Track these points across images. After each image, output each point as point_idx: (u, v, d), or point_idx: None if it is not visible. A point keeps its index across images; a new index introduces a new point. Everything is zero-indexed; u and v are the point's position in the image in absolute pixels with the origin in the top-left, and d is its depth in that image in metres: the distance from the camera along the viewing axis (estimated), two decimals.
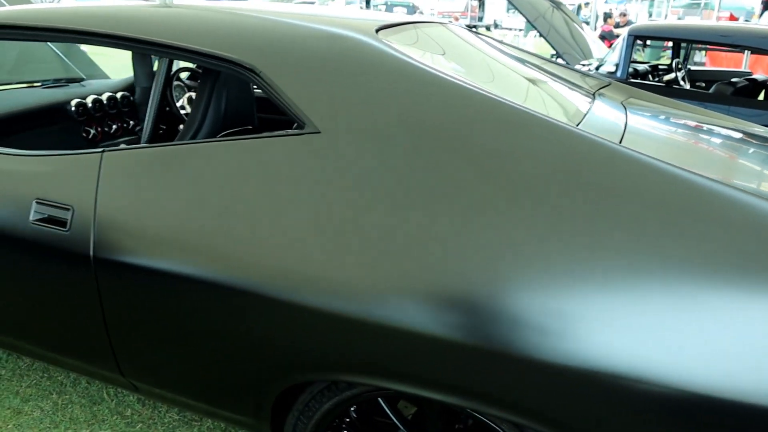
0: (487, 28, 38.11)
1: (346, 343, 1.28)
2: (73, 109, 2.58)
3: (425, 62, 1.45)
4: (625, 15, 12.20)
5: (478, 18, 39.79)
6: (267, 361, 1.40)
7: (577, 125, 1.56)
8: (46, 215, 1.57)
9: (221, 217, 1.38)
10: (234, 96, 1.95)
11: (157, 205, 1.45)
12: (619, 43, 5.46)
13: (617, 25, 12.12)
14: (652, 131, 1.83)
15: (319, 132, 1.35)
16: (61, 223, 1.54)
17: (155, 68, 2.41)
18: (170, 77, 1.70)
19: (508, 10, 37.24)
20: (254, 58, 1.45)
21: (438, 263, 1.19)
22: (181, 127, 2.76)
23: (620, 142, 1.54)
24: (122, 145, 1.60)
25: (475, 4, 40.11)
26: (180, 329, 1.48)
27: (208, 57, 1.50)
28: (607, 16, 12.17)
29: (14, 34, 1.76)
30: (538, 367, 1.13)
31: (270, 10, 1.72)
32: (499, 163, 1.23)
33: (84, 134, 2.64)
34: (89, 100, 2.65)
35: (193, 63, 1.57)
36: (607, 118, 1.77)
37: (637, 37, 5.27)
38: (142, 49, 1.61)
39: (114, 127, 2.76)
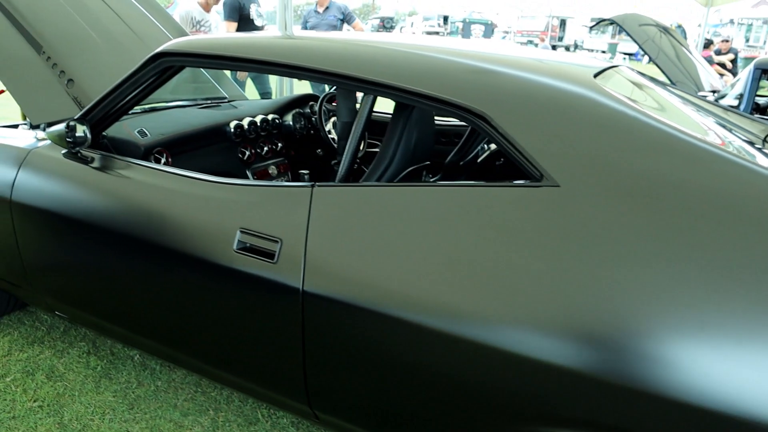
0: (567, 49, 37.56)
1: (576, 396, 1.25)
2: (231, 130, 2.66)
3: (650, 114, 1.42)
4: (727, 41, 11.76)
5: (558, 38, 39.24)
6: (485, 409, 1.38)
7: None
8: (250, 244, 1.61)
9: (439, 261, 1.38)
10: (421, 132, 1.96)
11: (369, 244, 1.46)
12: (743, 76, 5.26)
13: (718, 52, 11.69)
14: None
15: (558, 186, 1.33)
16: (268, 254, 1.58)
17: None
18: (369, 114, 1.72)
19: (590, 30, 36.53)
20: (486, 106, 1.44)
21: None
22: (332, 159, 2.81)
23: None
24: (333, 182, 1.63)
25: (556, 23, 39.56)
26: (387, 369, 1.47)
27: (433, 100, 1.51)
28: (709, 42, 11.74)
29: (230, 65, 1.83)
30: None
31: (488, 52, 1.73)
32: (724, 216, 1.21)
33: (240, 155, 2.72)
34: (245, 122, 2.73)
35: (414, 104, 1.58)
36: None
37: (764, 70, 5.07)
38: (362, 88, 1.63)
39: (265, 149, 2.84)
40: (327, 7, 6.43)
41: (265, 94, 6.23)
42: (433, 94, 1.49)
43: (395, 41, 1.80)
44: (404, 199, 1.47)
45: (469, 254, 1.35)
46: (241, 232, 1.63)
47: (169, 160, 2.32)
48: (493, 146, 2.58)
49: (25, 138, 2.36)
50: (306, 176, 2.63)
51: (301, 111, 3.11)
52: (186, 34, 3.61)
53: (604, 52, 31.86)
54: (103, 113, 2.03)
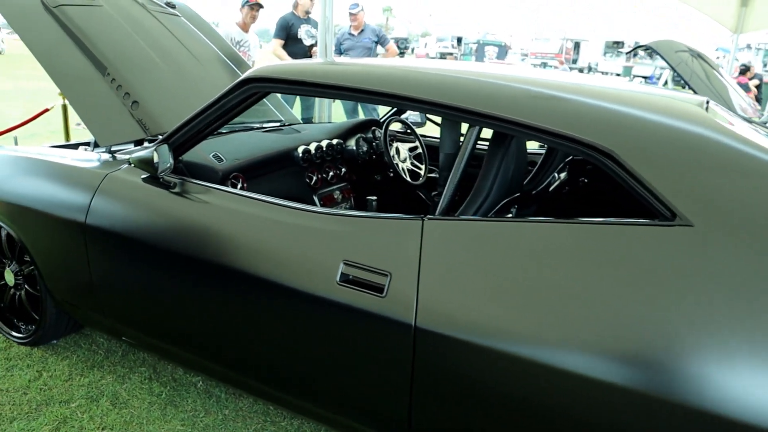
0: (581, 71, 37.64)
1: None
2: (300, 155, 2.63)
3: None
4: (749, 68, 11.74)
5: (572, 60, 39.35)
6: None
7: None
8: (354, 277, 1.57)
9: (561, 299, 1.33)
10: (518, 163, 1.93)
11: (485, 280, 1.42)
12: None
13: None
14: None
15: (691, 225, 1.29)
16: (376, 288, 1.53)
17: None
18: (474, 147, 1.68)
19: (604, 53, 36.62)
20: (614, 144, 1.40)
21: None
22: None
23: None
24: (441, 215, 1.59)
25: (570, 46, 39.71)
26: (500, 407, 1.41)
27: (556, 137, 1.47)
28: (745, 68, 11.69)
29: (322, 92, 1.81)
30: None
31: (592, 87, 1.70)
32: None
33: (307, 180, 2.69)
34: (312, 147, 2.70)
35: (532, 139, 1.55)
36: None
37: None
38: (476, 121, 1.60)
39: (330, 174, 2.81)
40: (362, 30, 6.45)
41: (307, 119, 6.28)
42: (557, 131, 1.46)
43: (493, 72, 1.77)
44: (523, 234, 1.43)
45: (592, 292, 1.31)
46: (345, 264, 1.58)
47: (245, 185, 2.29)
48: (563, 175, 2.54)
49: (95, 160, 2.34)
50: (374, 203, 2.59)
51: (364, 136, 3.08)
52: (235, 53, 3.61)
53: (618, 74, 31.90)
54: (186, 138, 2.01)
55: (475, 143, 1.67)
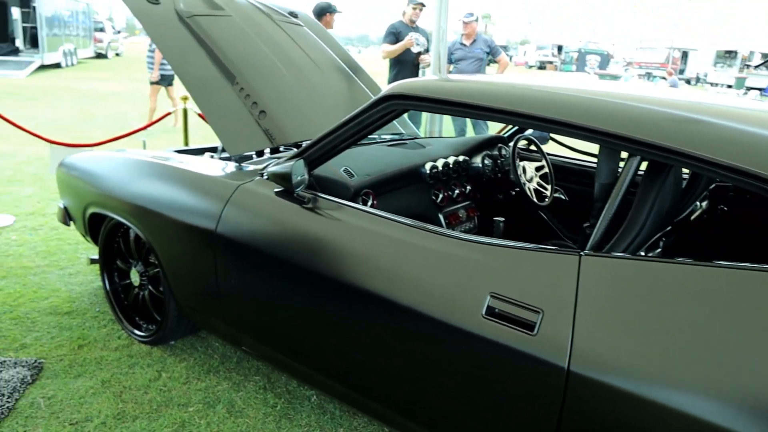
0: (688, 82, 35.79)
1: None
2: (427, 172, 2.56)
3: None
4: None
5: (679, 71, 37.48)
6: None
7: None
8: (501, 311, 1.48)
9: (733, 351, 1.19)
10: (675, 195, 1.78)
11: (650, 325, 1.29)
12: None
13: None
14: None
15: None
16: (526, 325, 1.43)
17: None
18: (633, 177, 1.54)
19: (715, 63, 34.67)
20: None
21: None
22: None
23: None
24: (601, 251, 1.47)
25: (677, 55, 37.88)
26: None
27: (735, 172, 1.32)
28: None
29: (473, 113, 1.73)
30: None
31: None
32: None
33: (433, 197, 2.62)
34: (440, 164, 2.63)
35: (706, 174, 1.41)
36: None
37: None
38: (641, 151, 1.48)
39: (456, 191, 2.72)
40: (474, 40, 6.35)
41: (461, 132, 6.35)
42: (738, 167, 1.31)
43: (648, 96, 1.63)
44: (691, 278, 1.29)
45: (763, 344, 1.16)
46: (492, 296, 1.49)
47: (375, 201, 2.24)
48: (705, 204, 2.34)
49: (223, 170, 2.36)
50: (501, 224, 2.48)
51: (490, 153, 2.98)
52: (353, 61, 3.59)
53: (730, 86, 30.07)
54: (321, 153, 1.98)
55: (635, 174, 1.53)
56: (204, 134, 7.57)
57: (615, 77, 28.64)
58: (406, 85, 1.85)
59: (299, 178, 1.89)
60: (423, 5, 6.07)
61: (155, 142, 7.25)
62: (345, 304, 1.79)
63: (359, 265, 1.75)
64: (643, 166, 1.64)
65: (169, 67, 8.85)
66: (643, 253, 1.64)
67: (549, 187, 2.88)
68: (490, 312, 1.48)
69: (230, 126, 2.57)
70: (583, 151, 3.26)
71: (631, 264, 1.39)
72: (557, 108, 1.56)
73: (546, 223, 2.87)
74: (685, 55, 38.47)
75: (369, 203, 2.23)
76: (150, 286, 2.73)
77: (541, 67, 45.18)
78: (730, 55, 34.01)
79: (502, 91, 1.69)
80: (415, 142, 2.86)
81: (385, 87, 1.90)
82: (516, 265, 1.50)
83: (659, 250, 1.80)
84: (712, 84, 33.21)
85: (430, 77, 1.95)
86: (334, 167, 2.19)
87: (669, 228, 1.87)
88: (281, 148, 2.82)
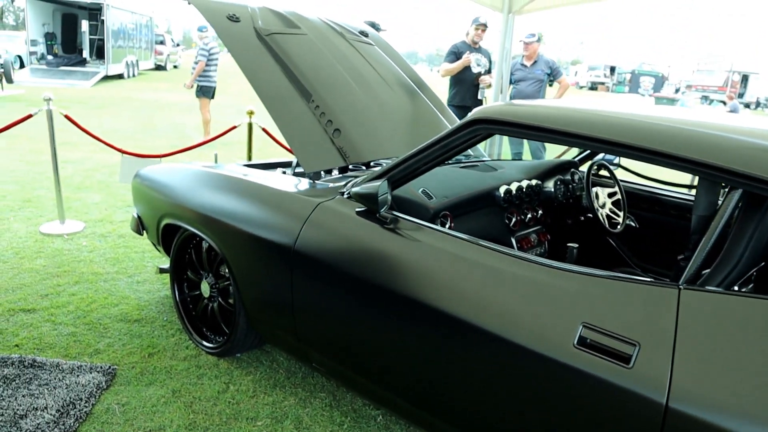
0: (747, 106, 34.77)
1: None
2: (501, 195, 2.55)
3: None
4: None
5: (738, 94, 36.44)
6: None
7: None
8: (594, 342, 1.45)
9: None
10: None
11: (752, 365, 1.25)
12: None
13: None
14: None
15: None
16: (621, 357, 1.40)
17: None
18: (733, 212, 1.50)
19: None
20: None
21: None
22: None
23: None
24: (706, 286, 1.43)
25: (737, 79, 36.85)
26: None
27: None
28: None
29: (562, 140, 1.71)
30: None
31: None
32: None
33: (506, 221, 2.60)
34: (513, 188, 2.61)
35: None
36: None
37: None
38: (743, 184, 1.44)
39: (528, 216, 2.70)
40: (535, 61, 6.30)
41: (517, 154, 6.29)
42: None
43: (748, 127, 1.59)
44: None
45: None
46: (585, 327, 1.46)
47: (452, 224, 2.24)
48: None
49: (300, 186, 2.39)
50: (575, 250, 2.44)
51: (562, 178, 2.94)
52: (421, 79, 3.60)
53: None
54: (404, 174, 1.98)
55: (736, 208, 1.48)
56: (260, 146, 7.71)
57: (672, 101, 28.02)
58: (492, 109, 1.84)
59: (384, 198, 1.90)
60: (486, 26, 6.07)
61: (220, 155, 7.43)
62: (426, 327, 1.78)
63: (443, 289, 1.74)
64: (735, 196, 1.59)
65: (207, 79, 8.82)
66: (736, 288, 1.59)
67: (621, 213, 2.82)
68: (582, 342, 1.45)
69: (306, 143, 2.61)
70: (651, 178, 3.20)
71: (734, 300, 1.35)
72: (654, 137, 1.53)
73: (615, 250, 2.81)
74: (745, 78, 37.42)
75: (447, 225, 2.22)
76: (220, 298, 2.78)
77: (593, 87, 44.53)
78: None
79: (593, 119, 1.66)
80: (486, 164, 2.85)
81: (472, 112, 1.89)
82: (610, 296, 1.47)
83: (752, 285, 1.74)
84: None
85: (515, 102, 1.94)
86: (413, 188, 2.20)
87: (764, 263, 1.81)
88: (350, 166, 2.85)
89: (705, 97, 34.51)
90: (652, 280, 1.46)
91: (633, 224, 2.94)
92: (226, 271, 2.69)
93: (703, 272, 1.50)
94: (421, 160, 1.94)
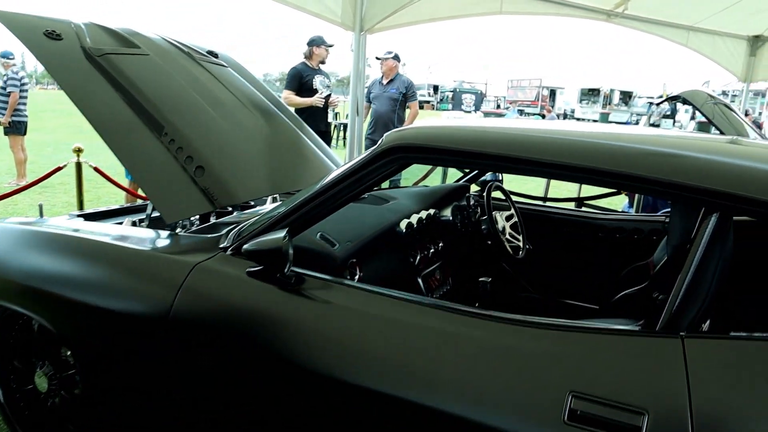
0: (558, 117, 38.10)
1: None
2: (404, 231, 2.22)
3: None
4: (748, 114, 11.81)
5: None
6: None
7: None
8: (590, 415, 1.16)
9: None
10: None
11: None
12: None
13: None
14: None
15: None
16: (627, 429, 1.12)
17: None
18: (716, 239, 1.30)
19: (580, 100, 37.21)
20: None
21: None
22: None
23: None
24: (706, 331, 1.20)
25: (546, 93, 40.35)
26: None
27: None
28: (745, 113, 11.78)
29: (494, 165, 1.43)
30: None
31: None
32: None
33: (411, 259, 2.27)
34: (414, 220, 2.29)
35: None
36: None
37: None
38: (723, 206, 1.24)
39: (432, 250, 2.39)
40: (391, 80, 6.12)
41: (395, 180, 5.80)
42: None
43: (701, 143, 1.43)
44: None
45: None
46: (575, 397, 1.17)
47: (361, 273, 1.87)
48: None
49: (163, 243, 1.91)
50: (488, 285, 2.18)
51: (458, 204, 2.69)
52: (280, 102, 3.23)
53: (596, 121, 32.27)
54: (307, 219, 1.60)
55: (715, 235, 1.28)
56: (90, 188, 6.83)
57: (499, 115, 30.03)
58: (410, 134, 1.53)
59: (287, 253, 1.50)
60: (332, 45, 5.82)
61: (44, 203, 6.43)
62: (363, 414, 1.40)
63: (377, 363, 1.37)
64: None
65: (18, 113, 7.75)
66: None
67: (521, 238, 2.64)
68: (575, 417, 1.16)
69: (164, 188, 2.12)
70: (528, 195, 3.08)
71: (746, 346, 1.14)
72: (604, 159, 1.31)
73: (512, 277, 2.63)
74: (552, 93, 41.00)
75: (356, 276, 1.86)
76: (63, 391, 2.17)
77: (420, 106, 46.37)
78: (593, 92, 36.68)
79: (539, 140, 1.41)
80: (372, 195, 2.52)
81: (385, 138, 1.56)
82: (597, 354, 1.20)
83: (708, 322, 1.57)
84: (578, 119, 35.49)
85: (437, 124, 1.63)
86: (309, 235, 1.81)
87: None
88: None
89: (521, 111, 37.35)
90: (639, 329, 1.21)
91: (529, 247, 2.77)
92: (69, 355, 2.10)
93: (682, 314, 1.28)
94: (327, 200, 1.56)
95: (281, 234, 1.48)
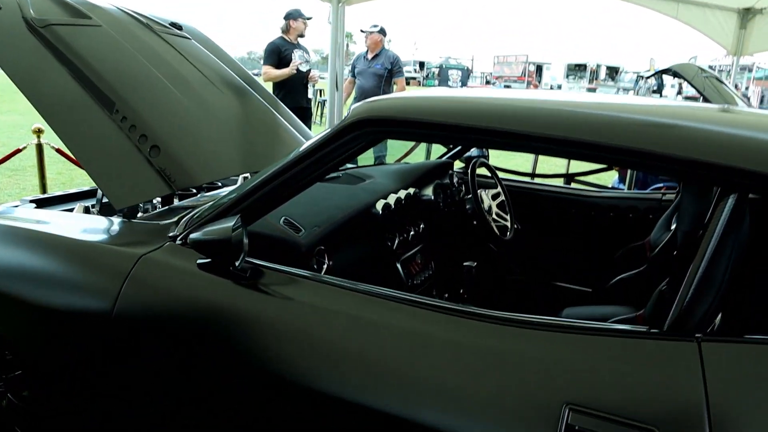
0: None
1: None
2: (380, 212, 2.03)
3: None
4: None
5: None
6: None
7: None
8: (590, 431, 0.99)
9: None
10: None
11: None
12: None
13: None
14: None
15: None
16: None
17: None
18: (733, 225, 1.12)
19: (566, 76, 36.99)
20: None
21: None
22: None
23: None
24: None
25: (533, 69, 40.08)
26: None
27: None
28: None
29: (471, 138, 1.24)
30: None
31: None
32: None
33: (388, 243, 2.08)
34: (392, 201, 2.10)
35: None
36: None
37: None
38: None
39: (412, 232, 2.20)
40: (377, 54, 5.88)
41: (380, 156, 5.36)
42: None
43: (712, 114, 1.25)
44: None
45: None
46: (572, 410, 1.00)
47: (330, 262, 1.68)
48: None
49: (111, 231, 1.72)
50: (473, 269, 2.01)
51: (441, 182, 2.49)
52: (252, 77, 3.02)
53: None
54: (262, 203, 1.41)
55: (732, 218, 1.11)
56: (60, 171, 6.60)
57: None
58: (380, 105, 1.34)
59: (239, 243, 1.31)
60: (310, 17, 5.58)
61: (8, 184, 6.19)
62: (328, 425, 1.23)
63: (348, 370, 1.20)
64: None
65: None
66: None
67: (508, 218, 2.46)
68: None
69: (113, 170, 1.92)
70: (515, 171, 2.90)
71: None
72: (610, 132, 1.13)
73: (499, 259, 2.46)
74: (539, 68, 40.71)
75: (325, 266, 1.67)
76: (9, 394, 1.99)
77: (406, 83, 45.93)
78: (580, 68, 36.49)
79: (524, 110, 1.22)
80: (348, 174, 2.32)
81: (351, 110, 1.37)
82: (598, 360, 1.03)
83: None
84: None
85: (411, 94, 1.43)
86: (271, 220, 1.62)
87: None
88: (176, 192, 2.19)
89: (507, 86, 37.09)
90: (647, 330, 1.04)
91: (517, 227, 2.60)
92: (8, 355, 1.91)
93: (694, 311, 1.10)
94: (287, 181, 1.37)
95: (231, 222, 1.29)
